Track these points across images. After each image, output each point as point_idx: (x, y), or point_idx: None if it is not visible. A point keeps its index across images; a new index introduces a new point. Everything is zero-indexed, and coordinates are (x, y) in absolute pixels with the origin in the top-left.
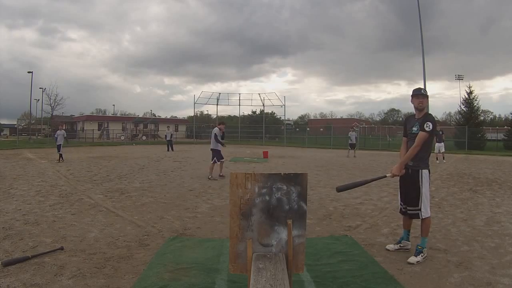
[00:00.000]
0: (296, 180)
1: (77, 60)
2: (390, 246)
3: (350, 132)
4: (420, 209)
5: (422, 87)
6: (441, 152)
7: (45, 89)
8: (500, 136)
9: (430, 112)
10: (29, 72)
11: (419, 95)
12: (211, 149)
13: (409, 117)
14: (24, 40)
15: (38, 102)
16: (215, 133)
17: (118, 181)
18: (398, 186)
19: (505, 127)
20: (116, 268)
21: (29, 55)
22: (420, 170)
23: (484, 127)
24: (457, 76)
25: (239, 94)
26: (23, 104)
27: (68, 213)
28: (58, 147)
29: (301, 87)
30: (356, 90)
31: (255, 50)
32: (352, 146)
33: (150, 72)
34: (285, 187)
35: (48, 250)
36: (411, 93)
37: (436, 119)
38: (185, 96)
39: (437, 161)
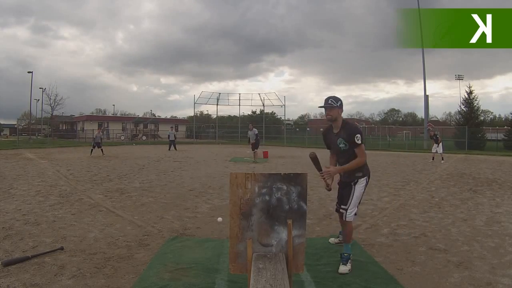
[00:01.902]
0: (296, 180)
1: (71, 59)
2: (332, 240)
3: None
4: (346, 209)
5: (332, 96)
6: (440, 153)
7: (45, 89)
8: (500, 136)
9: (425, 112)
10: (29, 72)
11: (326, 108)
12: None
13: (326, 132)
14: (16, 38)
15: (38, 102)
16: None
17: (118, 181)
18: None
19: (505, 127)
20: (116, 268)
21: (23, 54)
22: (356, 180)
23: (484, 127)
24: (457, 76)
25: (239, 94)
26: (20, 104)
27: (68, 213)
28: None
29: (298, 86)
30: (354, 90)
31: (252, 48)
32: None
33: (146, 71)
34: (285, 187)
35: (48, 250)
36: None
37: (436, 119)
38: (182, 95)
39: (430, 161)
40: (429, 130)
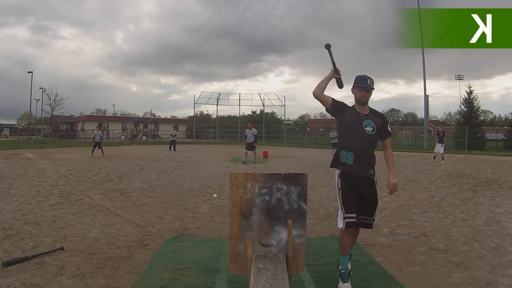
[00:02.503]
0: (296, 180)
1: (71, 59)
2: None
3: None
4: (375, 218)
5: (370, 77)
6: (441, 152)
7: (45, 89)
8: (500, 136)
9: (425, 112)
10: (29, 72)
11: (363, 88)
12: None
13: (347, 107)
14: (16, 38)
15: (38, 102)
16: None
17: (118, 181)
18: (344, 194)
19: (505, 127)
20: (116, 268)
21: (23, 54)
22: (374, 178)
23: (484, 127)
24: (457, 76)
25: (239, 94)
26: (20, 104)
27: (68, 213)
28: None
29: (298, 86)
30: None
31: (252, 48)
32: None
33: (145, 71)
34: (285, 187)
35: (48, 250)
36: (353, 83)
37: (436, 119)
38: (182, 95)
39: (431, 160)
40: (438, 128)
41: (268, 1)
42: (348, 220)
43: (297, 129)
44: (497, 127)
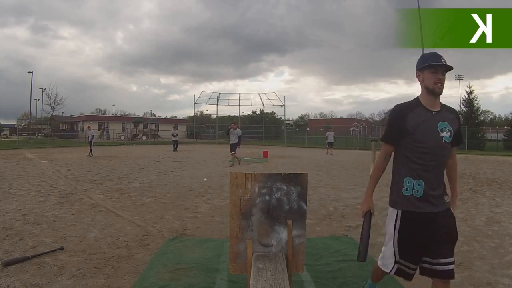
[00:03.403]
0: (296, 180)
1: (71, 59)
2: None
3: (327, 133)
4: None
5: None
6: None
7: (45, 89)
8: (500, 136)
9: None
10: (29, 72)
11: (438, 68)
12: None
13: (408, 110)
14: (16, 38)
15: (38, 102)
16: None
17: (118, 181)
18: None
19: (505, 127)
20: (116, 268)
21: (23, 54)
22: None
23: (484, 127)
24: (457, 76)
25: (239, 94)
26: (20, 104)
27: (68, 213)
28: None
29: (298, 86)
30: (354, 90)
31: (251, 48)
32: (330, 145)
33: (145, 71)
34: (285, 187)
35: (48, 250)
36: (420, 63)
37: None
38: (182, 95)
39: None
40: None
41: (268, 1)
42: (403, 268)
43: (297, 129)
44: (497, 127)
